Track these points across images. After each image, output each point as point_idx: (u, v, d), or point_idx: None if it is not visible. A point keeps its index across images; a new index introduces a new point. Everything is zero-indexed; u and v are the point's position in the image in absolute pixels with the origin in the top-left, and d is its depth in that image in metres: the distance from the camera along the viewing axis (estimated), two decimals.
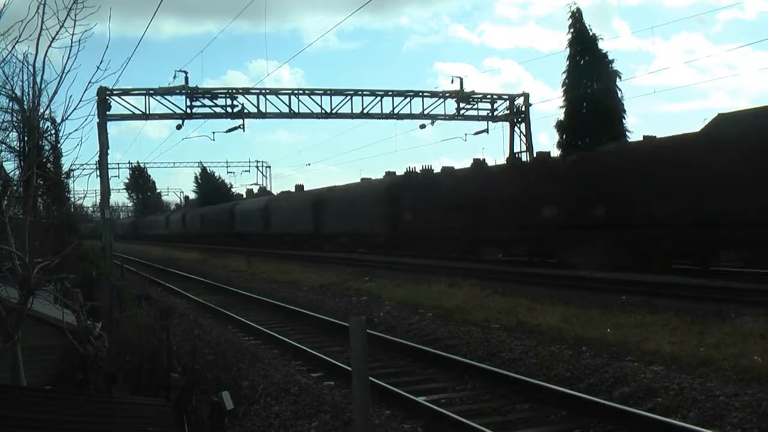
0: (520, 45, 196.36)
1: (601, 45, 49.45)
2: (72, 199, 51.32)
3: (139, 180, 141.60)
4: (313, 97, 43.72)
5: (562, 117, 50.30)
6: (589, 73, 49.11)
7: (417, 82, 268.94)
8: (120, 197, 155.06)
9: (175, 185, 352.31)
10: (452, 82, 46.19)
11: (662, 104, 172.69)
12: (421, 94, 45.53)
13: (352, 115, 44.23)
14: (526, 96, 47.68)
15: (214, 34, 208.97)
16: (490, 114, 46.82)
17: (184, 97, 41.01)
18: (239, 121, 42.83)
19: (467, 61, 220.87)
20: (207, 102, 41.72)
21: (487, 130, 47.27)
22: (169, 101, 41.07)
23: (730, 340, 12.99)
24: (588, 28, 49.72)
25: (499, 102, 46.83)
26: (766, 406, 9.30)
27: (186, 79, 40.89)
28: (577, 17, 49.82)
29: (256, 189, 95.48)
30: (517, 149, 46.95)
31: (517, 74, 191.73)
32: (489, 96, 47.15)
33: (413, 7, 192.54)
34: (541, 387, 11.21)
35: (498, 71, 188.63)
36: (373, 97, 44.22)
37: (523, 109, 47.18)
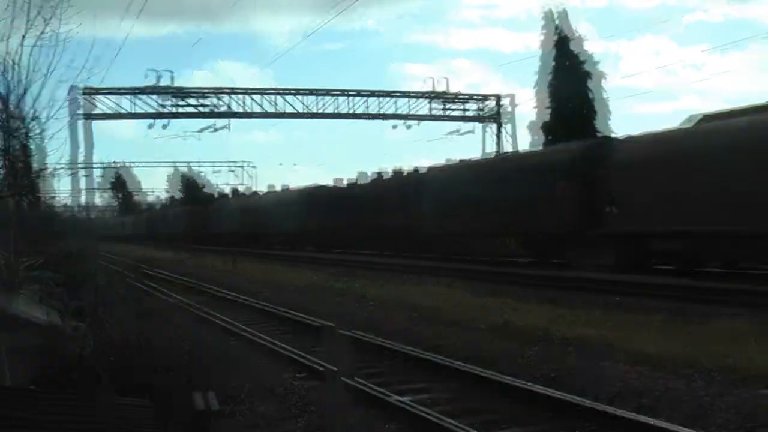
0: (485, 47, 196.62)
1: (573, 46, 49.92)
2: (53, 198, 51.16)
3: (121, 179, 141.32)
4: (299, 97, 43.81)
5: (534, 118, 50.91)
6: (573, 75, 49.40)
7: (385, 83, 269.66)
8: (101, 196, 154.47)
9: (158, 185, 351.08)
10: (438, 82, 46.49)
11: (634, 106, 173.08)
12: (407, 94, 45.68)
13: (338, 116, 44.47)
14: (512, 97, 48.17)
15: (178, 35, 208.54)
16: (477, 114, 47.04)
17: (169, 96, 41.07)
18: (225, 121, 42.95)
19: (434, 62, 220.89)
20: (192, 101, 41.76)
21: (473, 130, 47.65)
22: (153, 100, 41.13)
23: (715, 341, 13.07)
24: (574, 30, 50.14)
25: (486, 102, 47.10)
26: (751, 406, 9.37)
27: (171, 78, 41.05)
28: (562, 18, 50.16)
29: (242, 189, 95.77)
30: (490, 150, 47.31)
31: (486, 76, 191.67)
32: (476, 97, 47.40)
33: (378, 10, 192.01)
34: (524, 388, 11.22)
35: (467, 73, 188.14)
36: (359, 98, 44.34)
37: (510, 109, 47.54)
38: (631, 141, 29.28)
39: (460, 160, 41.95)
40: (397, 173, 45.33)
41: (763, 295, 18.37)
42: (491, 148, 47.55)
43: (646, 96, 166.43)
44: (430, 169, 42.08)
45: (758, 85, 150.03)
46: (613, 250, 27.91)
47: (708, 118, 26.21)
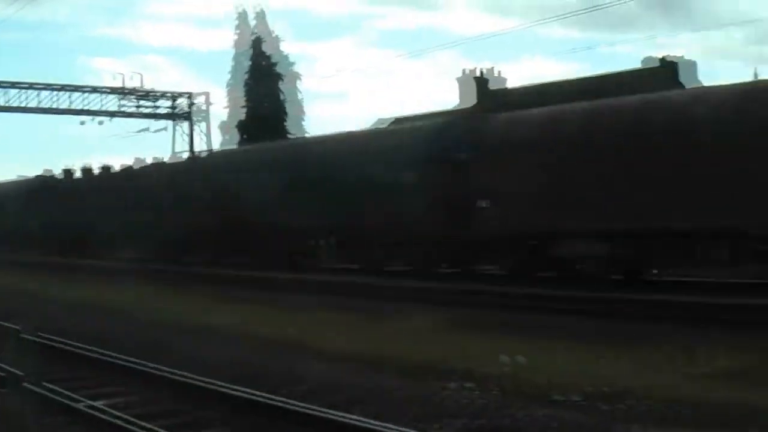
0: (179, 44, 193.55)
1: (267, 47, 51.50)
2: None
3: None
4: None
5: (226, 118, 52.01)
6: (267, 75, 50.70)
7: (74, 77, 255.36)
8: None
9: None
10: (131, 78, 45.99)
11: (329, 107, 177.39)
12: (97, 89, 44.81)
13: (25, 109, 42.74)
14: (206, 95, 48.59)
15: None
16: (170, 112, 46.97)
17: None
18: None
19: (125, 57, 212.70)
20: None
21: (166, 128, 47.54)
22: None
23: (397, 336, 14.12)
24: (270, 30, 51.65)
25: (179, 100, 47.17)
26: (439, 398, 10.24)
27: None
28: (260, 19, 51.50)
29: None
30: (180, 148, 47.62)
31: (181, 73, 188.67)
32: (168, 94, 47.28)
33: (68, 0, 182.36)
34: (205, 387, 10.96)
35: (161, 70, 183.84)
36: (47, 92, 42.97)
37: (204, 108, 47.99)
38: (517, 116, 22.90)
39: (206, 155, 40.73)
40: (112, 168, 43.77)
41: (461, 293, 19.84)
42: (183, 147, 47.88)
43: (341, 98, 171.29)
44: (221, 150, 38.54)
45: (446, 90, 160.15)
46: (491, 255, 23.04)
47: (399, 120, 27.52)
